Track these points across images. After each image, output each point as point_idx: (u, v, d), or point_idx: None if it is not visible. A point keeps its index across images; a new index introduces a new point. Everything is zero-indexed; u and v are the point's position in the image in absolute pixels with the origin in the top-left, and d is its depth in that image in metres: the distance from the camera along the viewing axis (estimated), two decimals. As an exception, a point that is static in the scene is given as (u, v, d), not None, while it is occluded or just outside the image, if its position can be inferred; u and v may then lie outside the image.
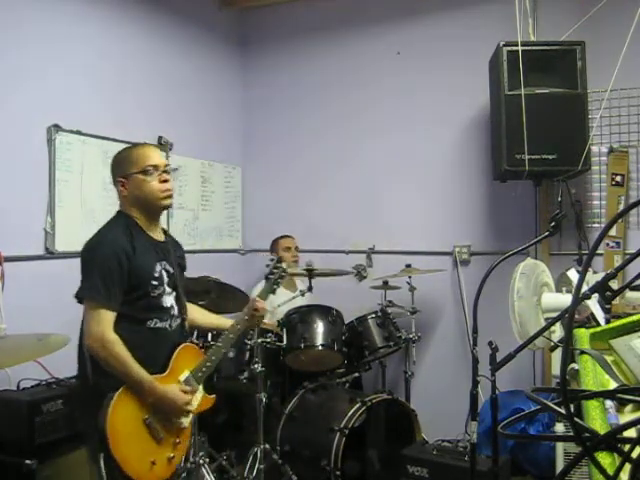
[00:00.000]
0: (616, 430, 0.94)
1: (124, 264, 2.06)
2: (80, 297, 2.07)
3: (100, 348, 1.99)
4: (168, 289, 2.21)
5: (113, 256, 2.05)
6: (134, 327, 2.09)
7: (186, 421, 2.17)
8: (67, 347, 2.15)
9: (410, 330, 3.69)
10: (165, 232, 2.37)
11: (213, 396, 2.33)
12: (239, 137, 4.82)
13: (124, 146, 3.62)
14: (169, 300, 2.21)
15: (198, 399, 2.22)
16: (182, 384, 2.16)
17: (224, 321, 2.53)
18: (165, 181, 2.19)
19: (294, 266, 3.96)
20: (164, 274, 2.19)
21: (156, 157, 2.22)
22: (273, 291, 2.60)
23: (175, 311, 2.23)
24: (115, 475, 1.95)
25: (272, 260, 2.65)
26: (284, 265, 2.62)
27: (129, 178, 2.17)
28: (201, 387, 2.24)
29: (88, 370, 2.04)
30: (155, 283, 2.15)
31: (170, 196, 2.22)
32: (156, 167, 2.18)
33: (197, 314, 2.49)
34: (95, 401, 1.98)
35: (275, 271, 2.59)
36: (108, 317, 2.02)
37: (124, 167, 2.19)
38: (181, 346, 2.22)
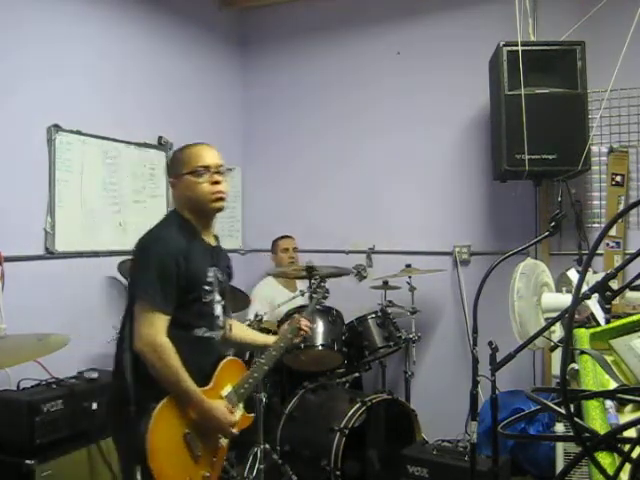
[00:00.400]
0: (616, 430, 0.94)
1: (181, 265, 1.97)
2: (135, 297, 1.95)
3: (151, 353, 1.89)
4: (218, 297, 2.12)
5: (170, 256, 1.96)
6: (182, 333, 1.98)
7: (224, 441, 2.09)
8: (67, 347, 2.15)
9: (410, 330, 3.69)
10: (217, 238, 2.27)
11: (252, 415, 2.24)
12: (239, 137, 4.81)
13: (124, 146, 3.69)
14: (218, 308, 2.12)
15: (237, 417, 2.10)
16: (226, 401, 2.06)
17: (264, 338, 2.44)
18: (216, 182, 2.07)
19: (292, 267, 3.95)
20: (216, 280, 2.11)
21: (208, 157, 2.09)
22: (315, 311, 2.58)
23: (221, 321, 2.14)
24: None
25: (316, 279, 2.61)
26: (325, 285, 2.59)
27: (180, 179, 2.08)
28: (241, 405, 2.14)
29: (128, 377, 1.92)
30: (207, 288, 2.06)
31: (221, 199, 2.09)
32: (207, 168, 2.06)
33: (237, 329, 2.36)
34: (134, 411, 1.87)
35: (319, 290, 2.58)
36: (162, 321, 1.92)
37: (176, 167, 2.12)
38: (226, 359, 2.14)
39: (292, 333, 2.35)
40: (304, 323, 2.38)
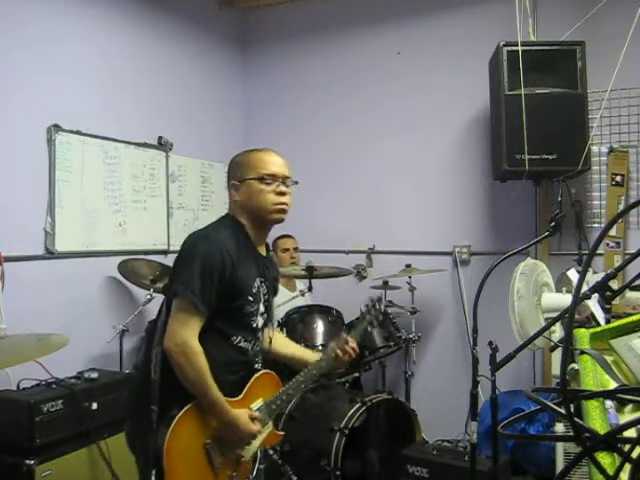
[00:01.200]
0: (616, 430, 0.94)
1: (228, 268, 1.87)
2: (174, 293, 1.85)
3: (180, 354, 1.81)
4: (262, 308, 2.04)
5: (219, 256, 1.86)
6: (218, 341, 1.92)
7: (248, 454, 1.99)
8: (67, 347, 2.15)
9: (410, 330, 3.69)
10: (268, 248, 2.17)
11: (282, 433, 2.19)
12: (239, 137, 4.81)
13: (124, 146, 3.69)
14: (260, 321, 2.04)
15: (265, 433, 2.03)
16: (253, 411, 1.98)
17: (306, 353, 2.31)
18: (282, 194, 2.01)
19: (291, 267, 3.95)
20: (261, 292, 2.02)
21: (277, 166, 2.03)
22: (366, 333, 2.40)
23: (260, 334, 2.07)
24: None
25: (372, 301, 2.43)
26: (380, 307, 2.41)
27: (244, 183, 2.00)
28: (271, 422, 2.07)
29: (154, 375, 1.82)
30: (251, 299, 1.97)
31: (284, 211, 2.03)
32: (275, 176, 2.01)
33: (279, 342, 2.28)
34: (155, 412, 1.79)
35: (372, 311, 2.40)
36: (196, 322, 1.84)
37: (241, 170, 2.03)
38: (261, 372, 2.08)
39: (335, 353, 2.18)
40: (351, 346, 2.19)
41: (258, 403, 2.03)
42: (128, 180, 3.74)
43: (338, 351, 2.17)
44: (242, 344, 1.98)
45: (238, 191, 2.02)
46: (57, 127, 3.28)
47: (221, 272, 1.86)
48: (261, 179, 1.98)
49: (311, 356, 2.25)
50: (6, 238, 2.95)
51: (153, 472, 1.77)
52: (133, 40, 3.84)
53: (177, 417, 1.80)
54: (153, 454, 1.77)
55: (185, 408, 1.83)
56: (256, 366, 2.08)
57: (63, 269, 3.30)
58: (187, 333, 1.82)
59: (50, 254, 3.23)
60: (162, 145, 4.01)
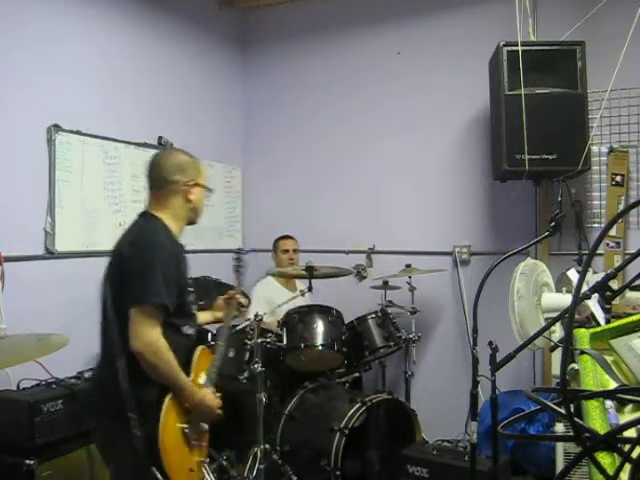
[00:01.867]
0: (616, 430, 0.94)
1: (176, 269, 2.07)
2: (140, 301, 1.96)
3: (151, 353, 1.94)
4: (192, 295, 2.22)
5: (171, 259, 2.05)
6: (172, 333, 2.05)
7: (206, 425, 2.19)
8: (67, 347, 2.15)
9: (410, 330, 3.69)
10: None
11: (219, 395, 2.32)
12: (239, 137, 4.82)
13: (124, 146, 3.69)
14: (195, 307, 2.24)
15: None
16: (205, 387, 2.17)
17: (207, 314, 2.54)
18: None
19: (291, 267, 3.95)
20: (189, 280, 2.21)
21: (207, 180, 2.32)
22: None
23: (196, 318, 2.26)
24: None
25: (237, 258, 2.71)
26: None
27: (198, 187, 2.22)
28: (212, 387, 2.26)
29: (124, 384, 1.93)
30: (190, 289, 2.18)
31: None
32: (211, 190, 2.33)
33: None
34: (136, 417, 1.91)
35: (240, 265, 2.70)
36: (159, 322, 1.99)
37: (196, 173, 2.24)
38: (198, 349, 2.22)
39: (232, 311, 2.48)
40: (241, 300, 2.51)
41: (203, 377, 2.21)
42: (128, 180, 3.74)
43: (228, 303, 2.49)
44: (189, 331, 2.17)
45: (190, 193, 2.19)
46: (57, 127, 3.28)
47: (174, 274, 2.04)
48: (207, 189, 2.28)
49: (210, 314, 2.51)
50: (6, 238, 2.95)
51: (154, 469, 1.90)
52: (133, 40, 3.83)
53: (163, 411, 1.95)
54: (147, 451, 1.90)
55: (166, 401, 1.98)
56: (194, 345, 2.25)
57: (63, 269, 3.30)
58: (154, 333, 1.96)
59: (50, 254, 3.23)
60: (162, 145, 4.00)
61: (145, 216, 2.18)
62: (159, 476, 1.91)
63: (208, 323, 2.55)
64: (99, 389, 2.13)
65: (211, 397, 2.14)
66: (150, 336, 1.95)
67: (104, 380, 2.07)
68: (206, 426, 2.18)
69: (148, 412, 1.94)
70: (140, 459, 1.92)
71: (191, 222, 2.27)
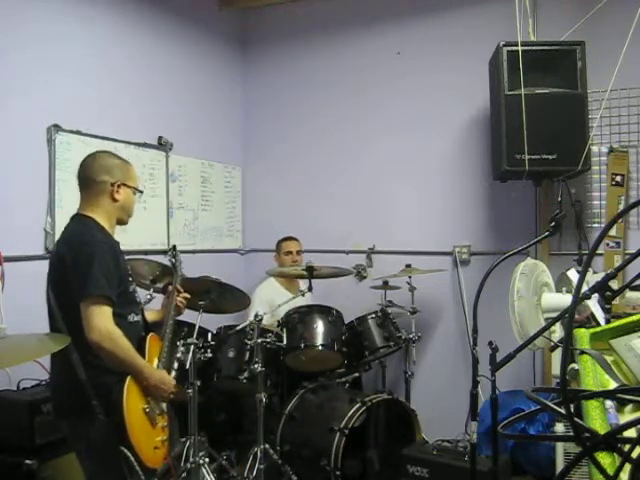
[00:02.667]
0: (616, 430, 0.94)
1: (114, 261, 2.19)
2: (87, 294, 2.08)
3: (107, 341, 2.06)
4: (134, 285, 2.37)
5: (109, 253, 2.18)
6: (119, 322, 2.16)
7: (165, 405, 2.34)
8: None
9: (410, 330, 3.69)
10: None
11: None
12: (239, 137, 4.82)
13: (124, 146, 3.69)
14: (138, 295, 2.38)
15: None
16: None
17: (153, 313, 2.62)
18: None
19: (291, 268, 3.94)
20: (129, 270, 2.35)
21: (138, 183, 2.44)
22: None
23: (140, 306, 2.40)
24: (133, 466, 2.07)
25: (170, 249, 2.76)
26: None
27: (124, 187, 2.31)
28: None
29: (82, 376, 2.07)
30: (130, 279, 2.32)
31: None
32: (141, 192, 2.43)
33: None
34: (99, 404, 2.05)
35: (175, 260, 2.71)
36: (109, 311, 2.11)
37: (123, 175, 2.33)
38: (149, 336, 2.34)
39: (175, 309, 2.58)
40: (178, 299, 2.60)
41: (156, 362, 2.34)
42: (128, 180, 3.73)
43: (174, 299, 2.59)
44: (135, 318, 2.29)
45: (119, 193, 2.30)
46: (57, 127, 3.28)
47: (113, 266, 2.17)
48: (137, 191, 2.38)
49: (157, 313, 2.61)
50: (6, 238, 2.95)
51: (122, 448, 2.04)
52: (133, 40, 3.83)
53: (124, 394, 2.07)
54: (115, 434, 2.04)
55: (126, 384, 2.09)
56: (142, 333, 2.36)
57: (63, 269, 3.30)
58: (106, 322, 2.09)
59: (50, 254, 3.22)
60: (162, 145, 4.00)
61: (77, 217, 2.30)
62: (129, 454, 2.04)
63: (157, 321, 2.62)
64: (60, 389, 2.21)
65: (168, 377, 2.29)
66: (103, 325, 2.06)
67: (63, 379, 2.16)
68: (164, 406, 2.32)
69: (109, 396, 2.07)
70: (109, 441, 2.06)
71: (121, 221, 2.36)
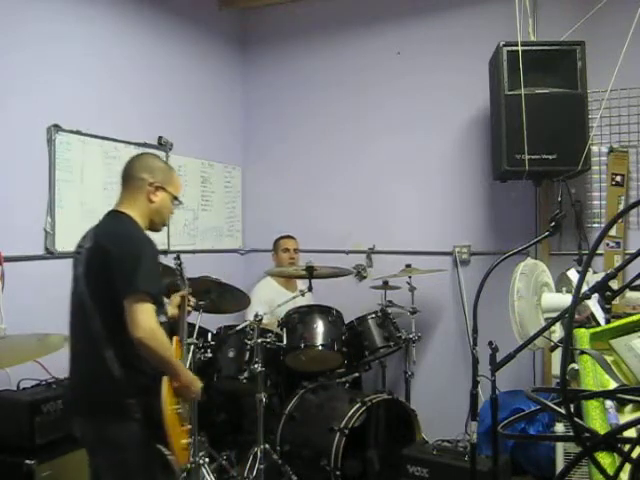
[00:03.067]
0: (616, 430, 0.94)
1: (158, 260, 2.21)
2: (135, 291, 2.04)
3: (151, 339, 2.03)
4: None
5: (155, 252, 2.18)
6: None
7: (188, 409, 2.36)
8: (67, 347, 2.15)
9: (410, 330, 3.69)
10: None
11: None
12: (239, 137, 4.81)
13: (124, 146, 3.69)
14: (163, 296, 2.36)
15: None
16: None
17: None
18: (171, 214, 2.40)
19: (291, 267, 3.95)
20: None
21: (181, 192, 2.42)
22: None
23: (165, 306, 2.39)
24: (169, 465, 2.11)
25: (177, 259, 2.74)
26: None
27: (162, 191, 2.28)
28: None
29: (116, 373, 2.04)
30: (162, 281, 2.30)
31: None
32: (180, 202, 2.38)
33: None
34: (133, 407, 2.04)
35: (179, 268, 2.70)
36: (153, 310, 2.09)
37: (165, 179, 2.29)
38: (174, 339, 2.33)
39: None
40: (190, 302, 2.63)
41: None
42: (128, 180, 3.73)
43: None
44: (163, 319, 2.25)
45: (155, 194, 2.27)
46: (57, 127, 3.28)
47: (156, 265, 2.18)
48: (175, 200, 2.34)
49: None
50: (6, 238, 2.95)
51: (159, 446, 2.07)
52: (133, 40, 3.83)
53: (163, 393, 2.06)
54: (152, 434, 2.04)
55: (164, 383, 2.08)
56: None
57: (63, 269, 3.28)
58: (151, 320, 2.05)
59: (50, 254, 3.23)
60: (162, 145, 4.00)
61: (114, 213, 2.26)
62: (166, 452, 2.06)
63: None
64: (87, 387, 2.14)
65: (197, 379, 2.28)
66: (149, 323, 2.03)
67: (91, 376, 2.11)
68: (188, 407, 2.34)
69: (145, 396, 2.05)
70: (144, 441, 2.05)
71: (153, 225, 2.31)
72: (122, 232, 2.18)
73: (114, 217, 2.26)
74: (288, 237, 4.25)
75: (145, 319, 2.03)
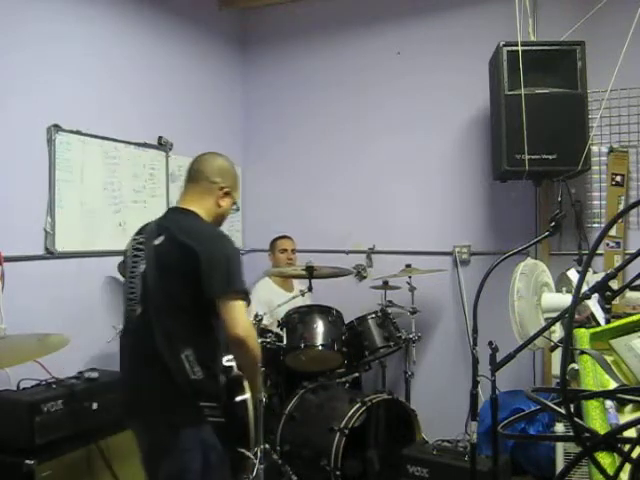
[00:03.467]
0: (616, 430, 0.94)
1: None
2: (230, 290, 2.03)
3: (251, 338, 2.05)
4: None
5: (239, 251, 2.18)
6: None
7: None
8: (67, 347, 2.15)
9: (410, 330, 3.69)
10: None
11: None
12: (239, 137, 4.81)
13: (124, 146, 3.69)
14: None
15: None
16: None
17: None
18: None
19: (290, 267, 3.94)
20: None
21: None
22: None
23: None
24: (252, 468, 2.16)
25: None
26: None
27: (230, 197, 2.28)
28: None
29: (192, 373, 1.99)
30: None
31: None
32: (238, 208, 2.38)
33: None
34: (207, 410, 1.99)
35: None
36: (246, 308, 2.10)
37: (233, 185, 2.31)
38: None
39: None
40: None
41: None
42: (128, 180, 3.74)
43: None
44: None
45: (225, 198, 2.26)
46: (57, 127, 3.28)
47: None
48: (235, 204, 2.33)
49: None
50: (6, 238, 2.95)
51: (242, 450, 2.05)
52: (133, 40, 3.83)
53: (248, 400, 2.06)
54: (237, 438, 2.03)
55: (246, 390, 2.07)
56: None
57: (63, 269, 3.30)
58: (248, 319, 2.10)
59: (50, 254, 3.23)
60: (162, 145, 4.00)
61: (186, 211, 2.20)
62: (250, 455, 2.07)
63: None
64: (155, 387, 2.05)
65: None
66: (248, 322, 2.07)
67: (163, 376, 2.01)
68: None
69: (223, 399, 2.03)
70: (216, 444, 2.00)
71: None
72: (206, 231, 2.15)
73: (186, 214, 2.19)
74: (285, 237, 4.25)
75: (244, 318, 2.04)
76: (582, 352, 1.32)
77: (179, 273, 2.04)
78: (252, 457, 2.07)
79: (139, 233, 2.23)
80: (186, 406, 2.01)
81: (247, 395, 2.05)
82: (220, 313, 2.01)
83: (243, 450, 2.03)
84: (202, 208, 2.20)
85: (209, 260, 2.01)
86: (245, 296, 2.07)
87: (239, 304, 2.03)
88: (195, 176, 2.26)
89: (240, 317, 2.02)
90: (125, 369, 2.20)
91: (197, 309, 2.02)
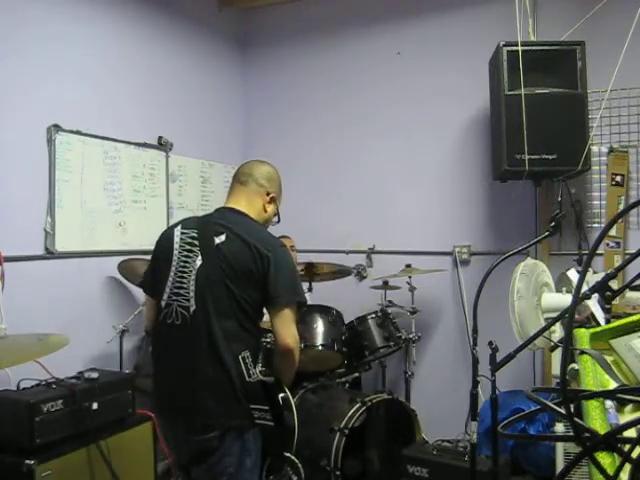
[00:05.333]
0: (616, 430, 0.94)
1: None
2: (293, 300, 2.06)
3: (298, 350, 2.11)
4: None
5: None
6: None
7: None
8: (67, 347, 2.15)
9: (410, 330, 3.69)
10: None
11: None
12: (239, 137, 4.81)
13: (124, 146, 3.69)
14: None
15: None
16: None
17: None
18: None
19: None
20: None
21: None
22: None
23: None
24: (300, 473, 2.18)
25: None
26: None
27: (274, 205, 2.28)
28: None
29: (247, 375, 2.00)
30: None
31: None
32: (279, 220, 2.34)
33: None
34: (257, 412, 2.00)
35: None
36: None
37: (278, 193, 2.32)
38: None
39: None
40: None
41: None
42: (128, 180, 3.74)
43: None
44: None
45: (271, 204, 2.27)
46: (57, 127, 3.28)
47: None
48: (277, 212, 2.31)
49: None
50: (6, 238, 2.95)
51: (287, 454, 2.15)
52: (133, 40, 3.83)
53: (294, 404, 2.12)
54: (284, 442, 2.11)
55: (290, 395, 2.11)
56: None
57: (63, 269, 3.30)
58: (297, 332, 2.11)
59: (50, 254, 3.23)
60: (162, 145, 4.00)
61: (241, 212, 2.18)
62: (295, 460, 2.14)
63: None
64: (207, 388, 2.00)
65: None
66: (296, 334, 2.08)
67: (220, 377, 1.99)
68: None
69: (275, 402, 2.04)
70: (272, 448, 2.08)
71: None
72: (270, 236, 2.14)
73: (242, 216, 2.17)
74: (283, 237, 4.23)
75: (295, 330, 2.07)
76: (582, 352, 1.32)
77: (247, 274, 2.01)
78: (297, 461, 2.11)
79: (184, 227, 2.16)
80: (238, 409, 2.00)
81: (288, 393, 2.08)
82: (272, 320, 2.04)
83: (288, 454, 2.09)
84: (252, 211, 2.20)
85: (278, 266, 2.02)
86: (297, 306, 2.08)
87: (294, 315, 2.06)
88: (244, 179, 2.24)
89: (293, 328, 2.06)
90: (171, 365, 2.10)
91: (254, 311, 2.05)
